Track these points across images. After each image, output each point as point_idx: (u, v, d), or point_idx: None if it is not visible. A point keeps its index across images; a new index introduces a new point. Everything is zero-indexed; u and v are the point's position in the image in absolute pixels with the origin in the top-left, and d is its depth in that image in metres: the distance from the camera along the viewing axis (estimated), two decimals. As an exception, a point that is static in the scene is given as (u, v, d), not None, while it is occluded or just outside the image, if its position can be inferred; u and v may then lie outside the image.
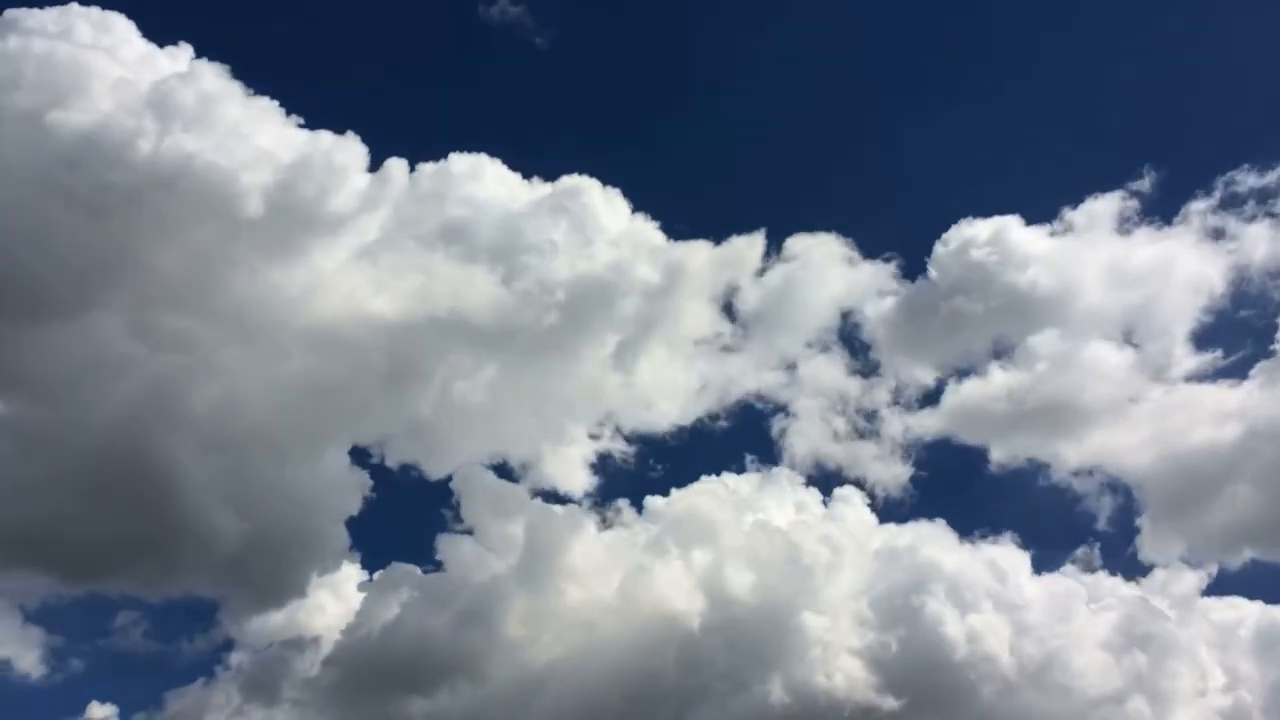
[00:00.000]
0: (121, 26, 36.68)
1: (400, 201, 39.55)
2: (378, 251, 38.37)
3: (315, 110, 39.10)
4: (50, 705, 39.46)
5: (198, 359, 34.99)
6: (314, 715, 34.80)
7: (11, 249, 32.79)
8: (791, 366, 44.04)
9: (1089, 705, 34.96)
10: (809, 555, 36.89)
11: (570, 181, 41.49)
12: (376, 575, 37.34)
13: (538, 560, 36.23)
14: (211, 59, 36.89)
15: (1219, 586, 40.17)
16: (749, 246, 44.07)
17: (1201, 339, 44.07)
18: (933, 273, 44.16)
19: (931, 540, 37.60)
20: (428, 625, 35.06)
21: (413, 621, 35.10)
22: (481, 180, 40.38)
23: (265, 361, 36.21)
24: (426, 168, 40.32)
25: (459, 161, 40.60)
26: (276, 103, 37.34)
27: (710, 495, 39.14)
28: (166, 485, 33.74)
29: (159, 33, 37.55)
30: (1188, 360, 43.57)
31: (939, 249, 44.09)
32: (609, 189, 41.39)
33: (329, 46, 52.09)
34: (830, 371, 44.35)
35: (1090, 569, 40.53)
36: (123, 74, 35.31)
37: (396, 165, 39.36)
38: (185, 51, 37.30)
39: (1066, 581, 38.67)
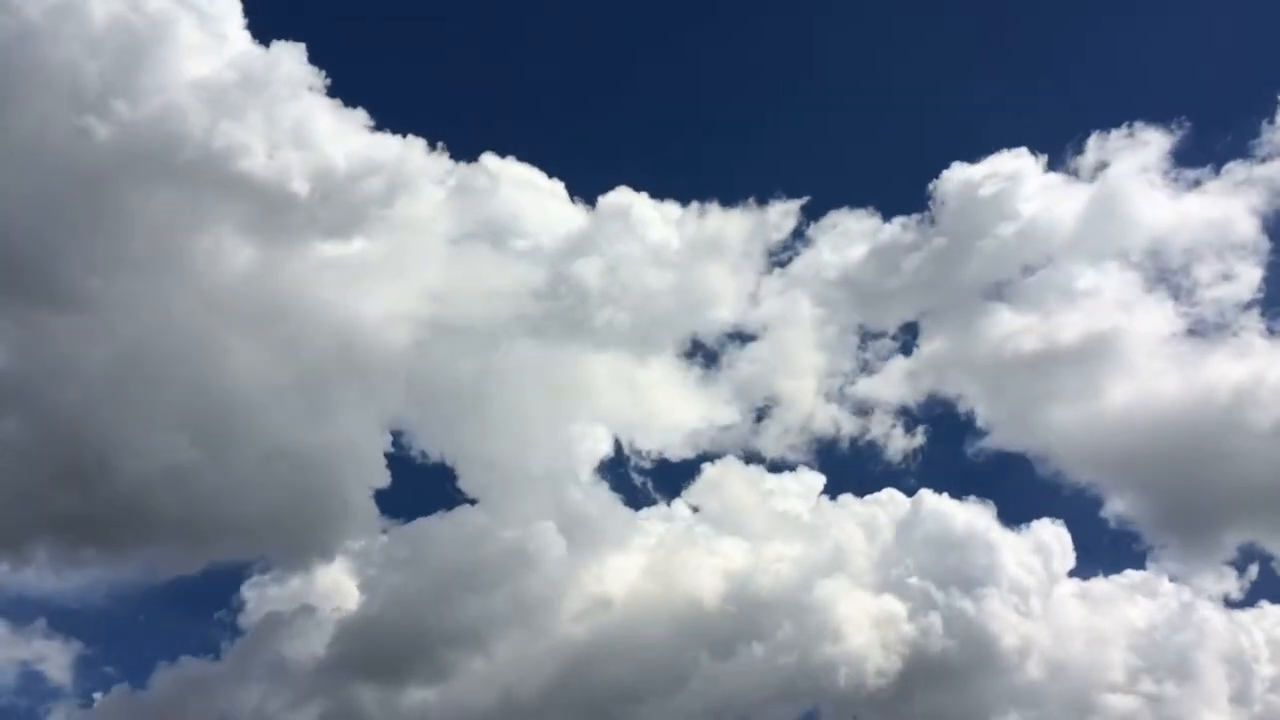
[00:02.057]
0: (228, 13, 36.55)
1: (440, 201, 40.41)
2: (417, 251, 39.69)
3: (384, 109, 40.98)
4: (61, 698, 39.15)
5: (229, 346, 36.12)
6: (320, 690, 34.72)
7: (43, 235, 33.46)
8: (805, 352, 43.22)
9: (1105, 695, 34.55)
10: (824, 538, 37.13)
11: (618, 196, 42.32)
12: (391, 550, 37.37)
13: (552, 542, 36.35)
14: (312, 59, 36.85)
15: (1262, 588, 38.44)
16: (781, 222, 43.74)
17: (1236, 290, 41.06)
18: (930, 216, 42.47)
19: (948, 520, 36.76)
20: (438, 598, 35.46)
21: (423, 596, 35.52)
22: (520, 181, 41.32)
23: (297, 348, 37.25)
24: (473, 168, 41.27)
25: (496, 163, 41.30)
26: (361, 109, 37.92)
27: (728, 482, 39.41)
28: (179, 465, 34.15)
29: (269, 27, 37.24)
30: (1225, 314, 40.94)
31: (937, 190, 42.28)
32: (654, 199, 42.27)
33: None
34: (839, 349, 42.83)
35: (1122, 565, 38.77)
36: (201, 61, 35.70)
37: (446, 164, 40.48)
38: (293, 50, 37.03)
39: (1099, 581, 37.90)
